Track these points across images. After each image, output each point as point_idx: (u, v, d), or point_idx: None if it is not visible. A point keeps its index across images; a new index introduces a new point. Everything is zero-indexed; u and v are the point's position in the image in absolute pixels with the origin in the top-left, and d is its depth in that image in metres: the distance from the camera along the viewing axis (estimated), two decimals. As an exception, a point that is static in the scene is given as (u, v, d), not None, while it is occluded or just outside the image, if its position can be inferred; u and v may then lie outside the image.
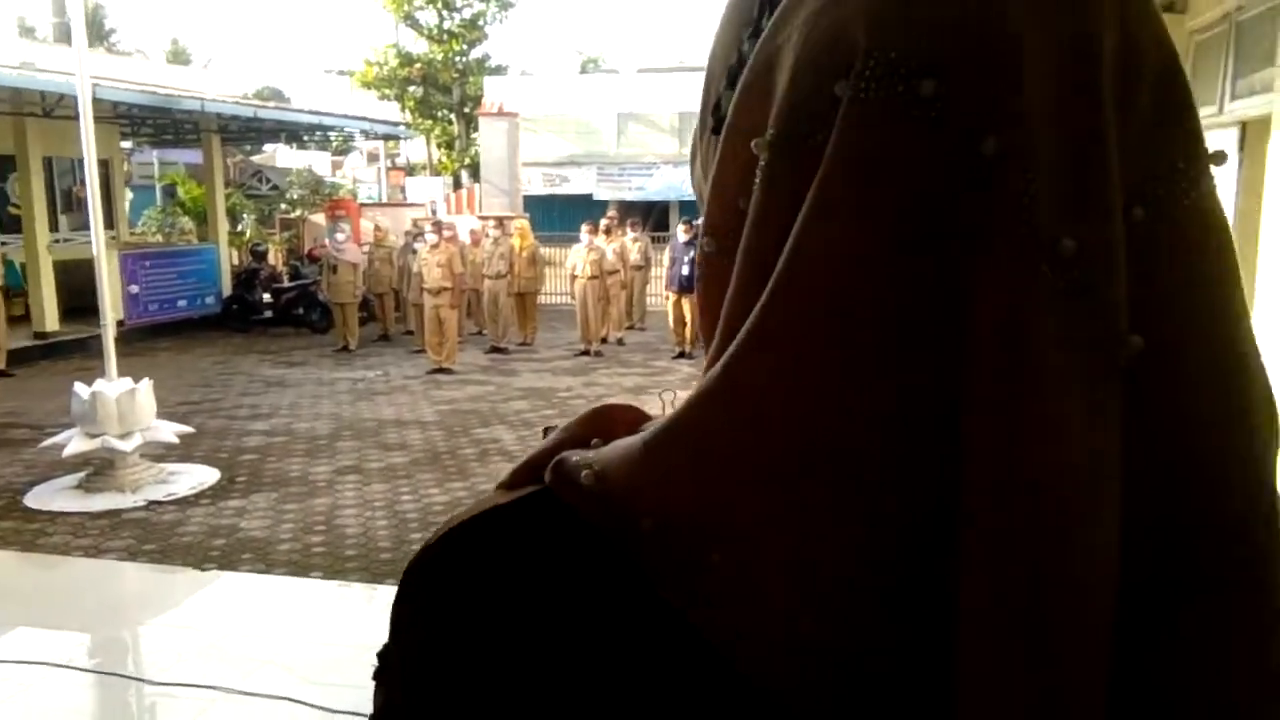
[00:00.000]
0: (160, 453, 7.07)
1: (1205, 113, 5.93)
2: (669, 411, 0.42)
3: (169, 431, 6.84)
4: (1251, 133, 5.35)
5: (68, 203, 15.15)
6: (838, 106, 0.37)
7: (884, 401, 0.36)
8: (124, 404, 6.38)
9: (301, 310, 14.81)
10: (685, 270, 11.57)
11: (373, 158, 30.54)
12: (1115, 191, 0.36)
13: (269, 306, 15.16)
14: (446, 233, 12.14)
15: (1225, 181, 5.62)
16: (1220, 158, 0.40)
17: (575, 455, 0.43)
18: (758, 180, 0.40)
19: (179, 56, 35.88)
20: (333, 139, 21.49)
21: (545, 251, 14.62)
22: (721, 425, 0.39)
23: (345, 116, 18.55)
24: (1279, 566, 0.38)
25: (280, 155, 25.10)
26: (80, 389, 6.39)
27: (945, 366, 0.36)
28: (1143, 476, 0.37)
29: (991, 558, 0.35)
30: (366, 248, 14.44)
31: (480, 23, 28.87)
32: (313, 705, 3.55)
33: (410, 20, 28.47)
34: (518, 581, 0.42)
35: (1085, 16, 0.36)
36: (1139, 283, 0.37)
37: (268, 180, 22.89)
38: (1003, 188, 0.35)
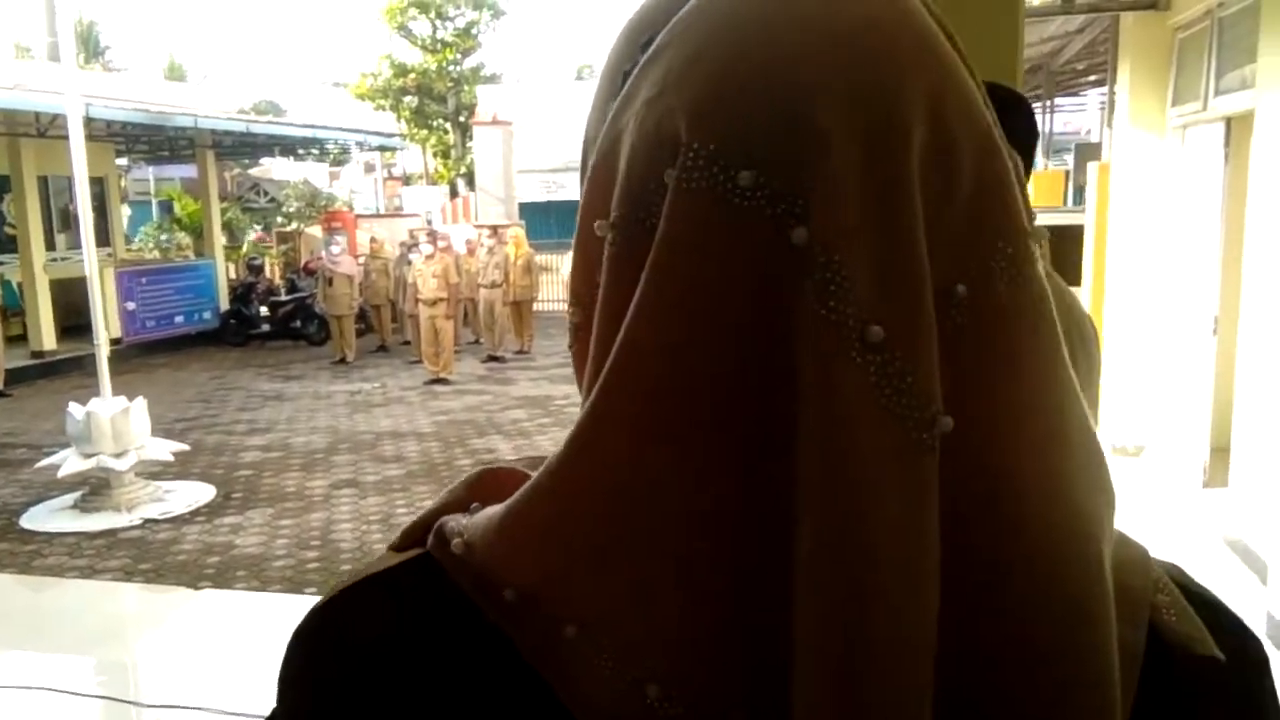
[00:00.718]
0: (156, 470, 7.08)
1: (1190, 109, 5.94)
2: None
3: (164, 449, 6.85)
4: (1236, 128, 5.36)
5: (64, 221, 15.19)
6: (666, 193, 0.38)
7: (713, 486, 0.38)
8: (118, 423, 6.39)
9: (299, 323, 14.85)
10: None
11: (369, 168, 30.61)
12: (923, 277, 0.37)
13: (266, 320, 15.20)
14: (441, 243, 12.18)
15: (1211, 177, 5.63)
16: (1040, 234, 0.40)
17: (453, 521, 0.44)
18: (604, 260, 0.41)
19: (175, 72, 35.99)
20: (330, 150, 21.54)
21: (543, 258, 14.64)
22: (566, 505, 0.40)
23: (339, 129, 18.60)
24: (1098, 629, 0.39)
25: (277, 168, 25.14)
26: (75, 409, 6.40)
27: (770, 452, 0.37)
28: (961, 549, 0.37)
29: (818, 629, 0.36)
30: (362, 259, 14.47)
31: (473, 31, 28.93)
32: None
33: (404, 30, 28.53)
34: (397, 645, 0.43)
35: (892, 111, 0.37)
36: (960, 360, 0.38)
37: (265, 193, 22.96)
38: (812, 277, 0.36)
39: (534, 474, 0.41)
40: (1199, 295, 5.80)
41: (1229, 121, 5.44)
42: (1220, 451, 5.41)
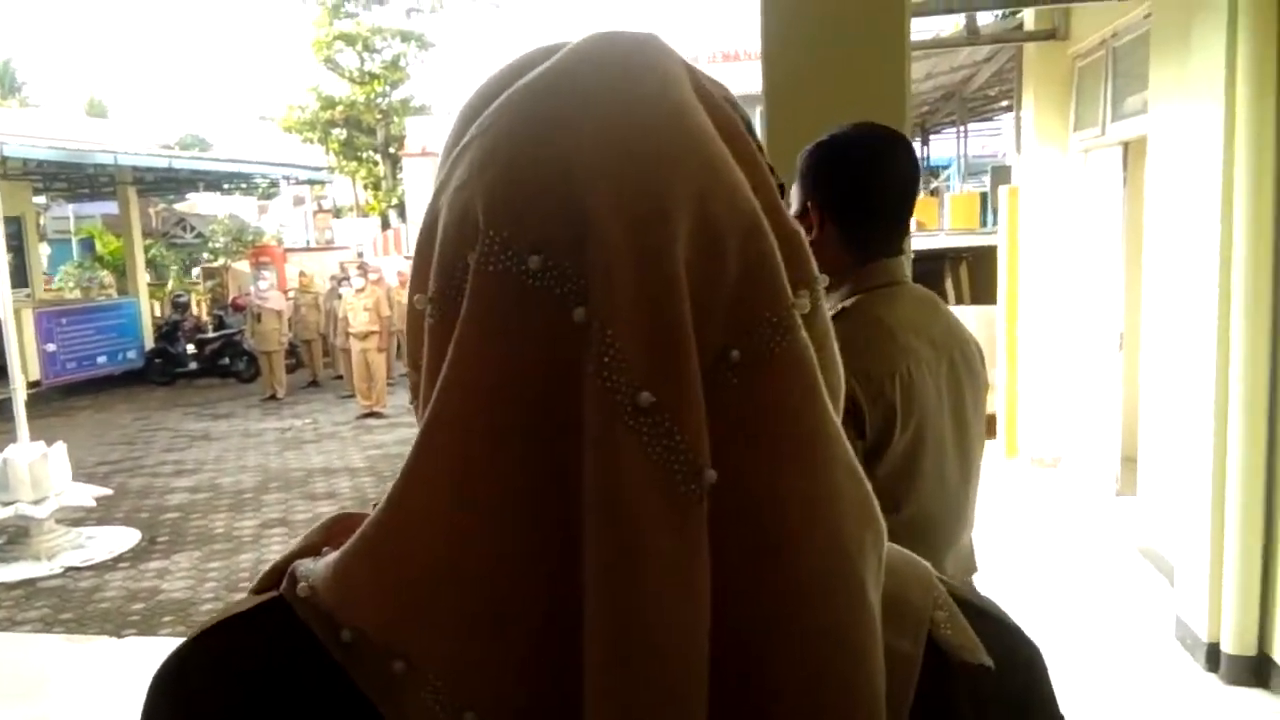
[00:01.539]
0: (78, 516, 6.89)
1: (1090, 134, 6.21)
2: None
3: (85, 494, 6.67)
4: (1132, 152, 5.62)
5: (-22, 262, 14.73)
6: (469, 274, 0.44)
7: (516, 536, 0.43)
8: (36, 469, 6.22)
9: (227, 360, 14.56)
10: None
11: (299, 201, 30.20)
12: (688, 348, 0.42)
13: (193, 358, 14.88)
14: (372, 275, 12.08)
15: (1111, 199, 5.88)
16: (801, 306, 0.46)
17: (303, 565, 0.49)
18: (425, 331, 0.47)
19: (96, 108, 35.18)
20: (257, 184, 21.24)
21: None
22: (387, 554, 0.45)
23: (266, 163, 18.34)
24: (861, 653, 0.44)
25: (204, 203, 24.67)
26: (-11, 456, 6.22)
27: (563, 505, 0.42)
28: (735, 586, 0.43)
29: (601, 663, 0.41)
30: (292, 294, 14.28)
31: (401, 63, 28.86)
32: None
33: (331, 63, 28.35)
34: (251, 685, 0.47)
35: (657, 201, 0.43)
36: (730, 416, 0.43)
37: (191, 228, 22.48)
38: (590, 350, 0.41)
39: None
40: (1105, 312, 6.04)
41: (1126, 146, 5.69)
42: (1130, 461, 5.62)
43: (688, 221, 0.43)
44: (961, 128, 13.64)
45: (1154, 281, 4.94)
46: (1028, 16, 6.76)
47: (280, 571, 0.50)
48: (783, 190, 0.50)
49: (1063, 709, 0.52)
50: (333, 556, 0.47)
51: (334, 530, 0.52)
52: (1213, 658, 3.84)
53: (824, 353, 0.47)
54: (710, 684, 0.42)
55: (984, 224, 11.31)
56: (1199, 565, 3.91)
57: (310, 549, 0.51)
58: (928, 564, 0.52)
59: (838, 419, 0.47)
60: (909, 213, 1.74)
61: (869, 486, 0.47)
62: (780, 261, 0.45)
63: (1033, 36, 6.74)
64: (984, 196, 12.77)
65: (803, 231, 0.49)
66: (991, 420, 7.08)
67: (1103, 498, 6.01)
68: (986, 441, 1.87)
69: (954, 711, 0.48)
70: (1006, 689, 0.50)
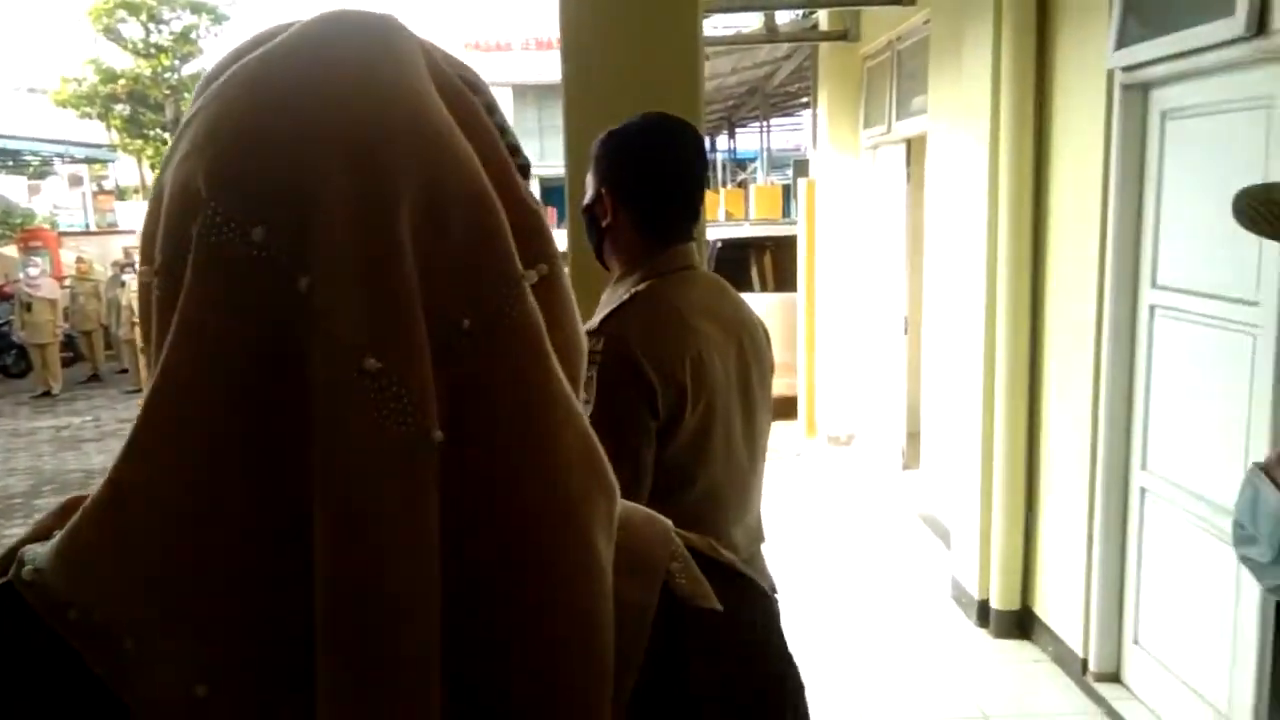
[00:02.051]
0: None
1: (877, 131, 6.60)
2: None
3: None
4: (915, 149, 6.02)
5: None
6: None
7: (239, 505, 0.43)
8: None
9: (-7, 354, 13.29)
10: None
11: (76, 181, 27.87)
12: (414, 313, 0.44)
13: (-48, 352, 13.50)
14: (160, 262, 11.31)
15: (897, 194, 6.28)
16: (530, 277, 0.48)
17: (30, 550, 0.47)
18: (153, 304, 0.47)
19: None
20: (28, 162, 19.41)
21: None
22: (107, 531, 0.44)
23: (35, 139, 16.82)
24: (589, 599, 0.47)
25: (-38, 181, 22.36)
26: None
27: (289, 472, 0.43)
28: (468, 542, 0.45)
29: (330, 617, 0.42)
30: (68, 281, 13.18)
31: (192, 36, 27.08)
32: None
33: (112, 33, 26.23)
34: None
35: (381, 172, 0.44)
36: (463, 382, 0.45)
37: (-53, 209, 20.33)
38: (315, 316, 0.42)
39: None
40: (892, 298, 6.46)
41: (909, 143, 6.10)
42: (915, 437, 6.05)
43: (412, 193, 0.44)
44: (765, 122, 14.16)
45: (933, 270, 5.32)
46: (822, 17, 7.10)
47: (8, 558, 0.48)
48: (525, 171, 0.52)
49: (794, 654, 0.57)
50: (58, 538, 0.46)
51: (66, 513, 0.51)
52: (983, 614, 4.20)
53: (561, 324, 0.49)
54: (443, 632, 0.43)
55: (787, 215, 11.82)
56: (971, 531, 4.26)
57: (41, 532, 0.50)
58: (668, 521, 0.55)
59: (578, 385, 0.49)
60: (697, 200, 1.80)
61: (600, 448, 0.49)
62: (509, 235, 0.47)
63: (826, 37, 7.09)
64: (786, 189, 13.33)
65: (543, 210, 0.51)
66: (792, 402, 7.44)
67: (890, 471, 6.44)
68: (788, 422, 1.98)
69: (686, 657, 0.51)
70: (738, 635, 0.54)
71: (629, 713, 0.48)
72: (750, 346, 1.80)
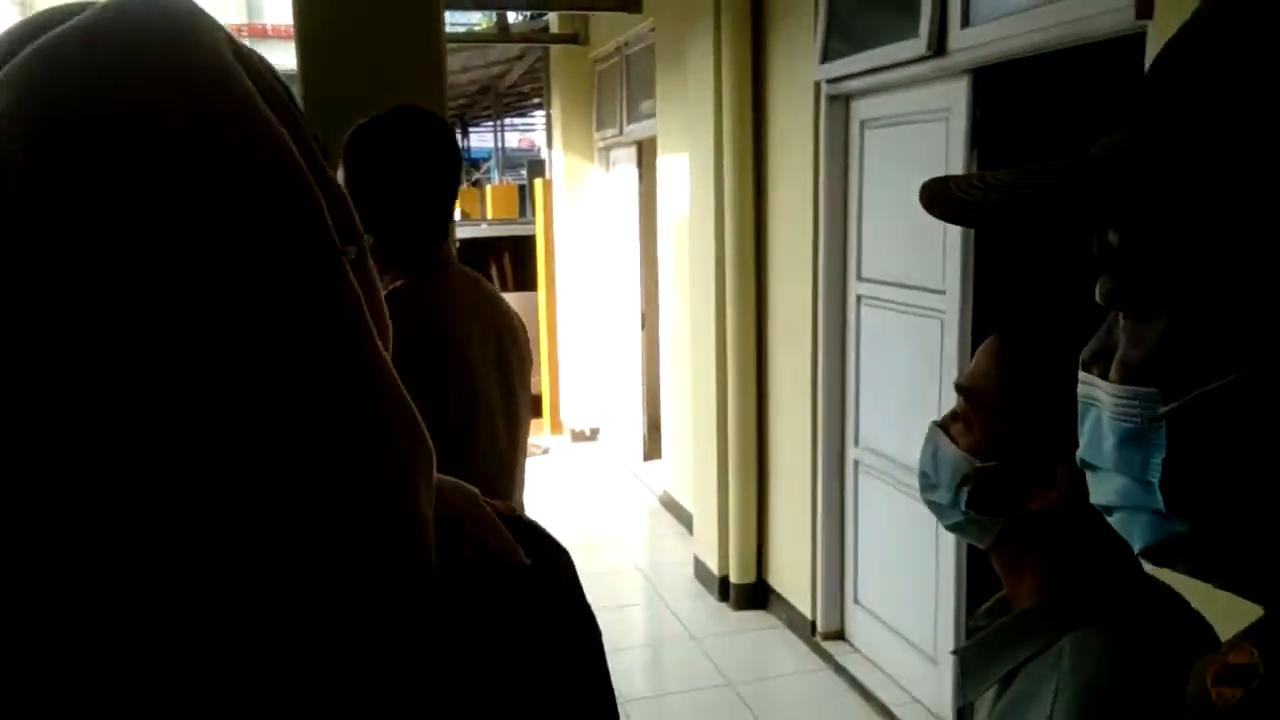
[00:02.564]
0: None
1: (610, 133, 6.82)
2: None
3: None
4: (646, 151, 6.28)
5: None
6: None
7: None
8: None
9: None
10: None
11: None
12: None
13: None
14: None
15: (629, 194, 6.52)
16: (349, 253, 0.49)
17: None
18: None
19: None
20: None
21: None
22: None
23: None
24: (411, 554, 0.49)
25: None
26: None
27: None
28: None
29: None
30: None
31: None
32: None
33: None
34: None
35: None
36: None
37: None
38: None
39: None
40: (628, 295, 6.70)
41: (640, 145, 6.35)
42: (655, 428, 6.32)
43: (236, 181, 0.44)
44: (499, 122, 14.17)
45: (666, 268, 5.58)
46: (552, 19, 7.23)
47: None
48: (326, 154, 0.53)
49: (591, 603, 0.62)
50: None
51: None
52: (724, 589, 4.48)
53: (370, 301, 0.51)
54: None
55: (523, 214, 11.90)
56: (710, 514, 4.53)
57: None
58: (474, 488, 0.59)
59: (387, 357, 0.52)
60: (451, 196, 1.81)
61: (419, 417, 0.52)
62: (327, 213, 0.48)
63: (556, 39, 7.22)
64: (522, 189, 13.42)
65: (347, 193, 0.53)
66: (536, 400, 7.53)
67: (633, 461, 6.68)
68: (533, 420, 2.03)
69: (500, 608, 0.55)
70: (544, 586, 0.58)
71: (447, 667, 0.51)
72: (509, 341, 1.83)
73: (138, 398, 0.41)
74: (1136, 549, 0.46)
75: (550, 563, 0.60)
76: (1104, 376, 0.47)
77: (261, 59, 0.51)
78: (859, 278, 3.62)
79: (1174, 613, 0.87)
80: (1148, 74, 0.45)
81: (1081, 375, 0.48)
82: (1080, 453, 0.49)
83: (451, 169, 1.79)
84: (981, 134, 2.90)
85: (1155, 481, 0.43)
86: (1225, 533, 0.42)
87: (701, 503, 4.69)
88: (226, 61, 0.47)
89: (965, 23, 2.81)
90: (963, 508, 0.92)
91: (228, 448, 0.43)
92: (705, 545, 4.63)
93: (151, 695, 0.42)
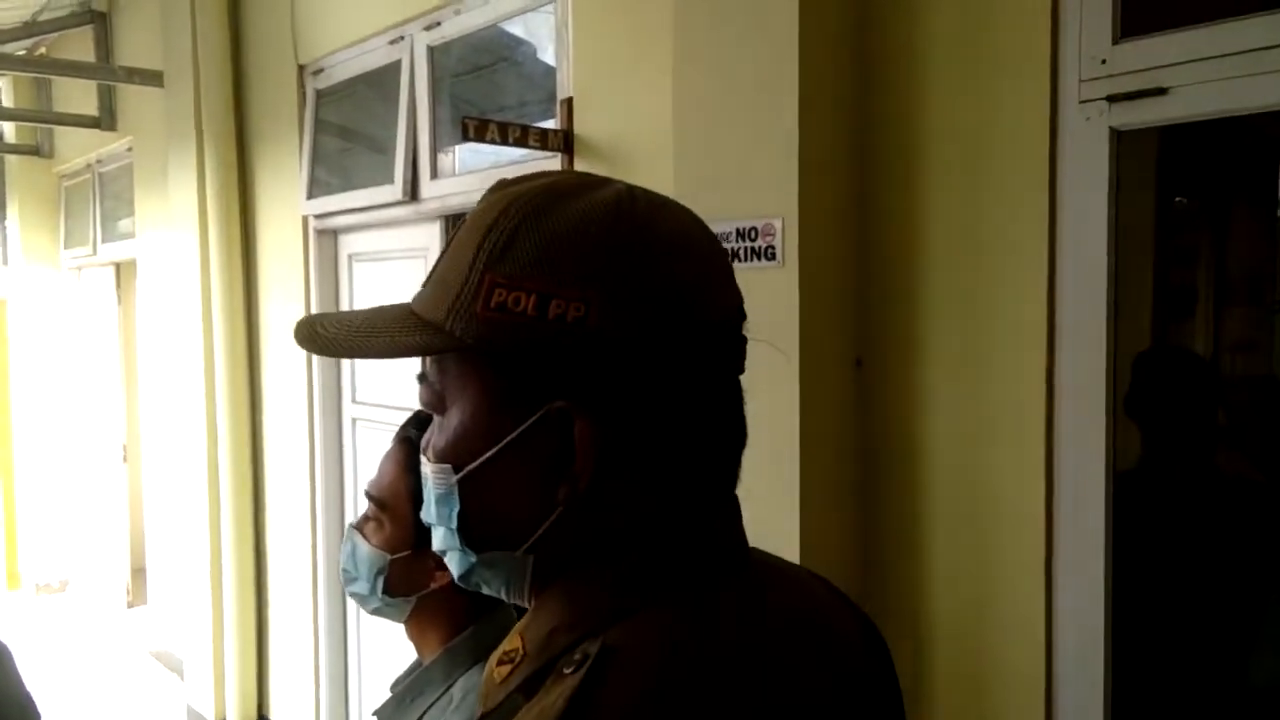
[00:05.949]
0: None
1: (82, 253, 6.28)
2: None
3: None
4: (124, 272, 5.88)
5: None
6: None
7: None
8: None
9: None
10: None
11: None
12: None
13: None
14: None
15: (107, 316, 6.03)
16: None
17: None
18: None
19: None
20: None
21: None
22: None
23: None
24: None
25: None
26: None
27: None
28: None
29: None
30: None
31: None
32: None
33: None
34: None
35: None
36: None
37: None
38: None
39: None
40: (109, 426, 6.11)
41: (118, 266, 5.93)
42: (140, 572, 5.76)
43: None
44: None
45: (150, 394, 5.23)
46: (7, 129, 6.54)
47: None
48: None
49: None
50: None
51: None
52: (221, 735, 4.21)
53: None
54: None
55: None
56: (204, 657, 4.26)
57: None
58: None
59: None
60: None
61: None
62: None
63: (14, 150, 6.54)
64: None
65: None
66: (-13, 552, 6.45)
67: (115, 611, 6.00)
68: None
69: None
70: None
71: None
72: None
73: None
74: (456, 578, 0.67)
75: None
76: None
77: None
78: (354, 401, 3.77)
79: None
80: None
81: (422, 458, 0.69)
82: (421, 514, 0.69)
83: None
84: (454, 271, 3.23)
85: (454, 528, 0.64)
86: (494, 559, 0.64)
87: (195, 648, 4.38)
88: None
89: (434, 175, 3.16)
90: (379, 594, 1.11)
91: None
92: (199, 691, 4.32)
93: None
